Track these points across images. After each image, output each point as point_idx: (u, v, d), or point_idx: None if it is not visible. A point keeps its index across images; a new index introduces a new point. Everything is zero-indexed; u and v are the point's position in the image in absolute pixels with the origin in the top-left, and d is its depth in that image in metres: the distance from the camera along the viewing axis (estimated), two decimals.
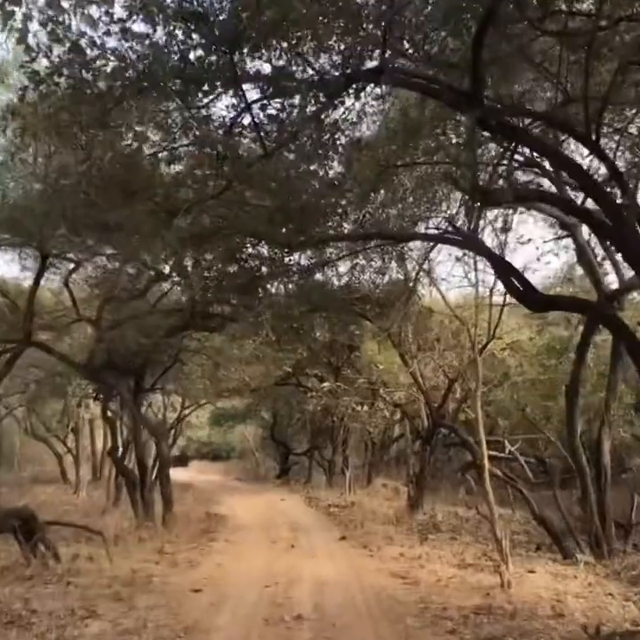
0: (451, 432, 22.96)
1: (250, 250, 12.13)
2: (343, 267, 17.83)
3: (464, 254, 15.04)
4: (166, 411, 36.73)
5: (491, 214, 14.23)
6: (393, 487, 30.50)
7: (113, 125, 8.32)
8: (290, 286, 15.98)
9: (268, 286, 15.11)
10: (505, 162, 9.72)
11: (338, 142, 9.68)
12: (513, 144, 8.73)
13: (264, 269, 12.38)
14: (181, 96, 7.74)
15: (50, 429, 37.52)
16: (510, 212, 14.71)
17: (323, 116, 8.95)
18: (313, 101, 7.96)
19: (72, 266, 16.16)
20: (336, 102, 8.34)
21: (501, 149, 9.44)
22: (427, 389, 20.65)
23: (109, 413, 21.22)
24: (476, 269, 14.65)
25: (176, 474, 47.79)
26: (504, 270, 8.78)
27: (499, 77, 8.22)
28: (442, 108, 8.42)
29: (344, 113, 9.34)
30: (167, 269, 15.79)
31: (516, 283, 8.66)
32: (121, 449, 22.00)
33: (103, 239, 12.77)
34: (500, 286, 13.22)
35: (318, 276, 16.92)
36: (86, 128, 8.15)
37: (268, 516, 22.23)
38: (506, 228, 13.52)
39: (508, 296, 16.98)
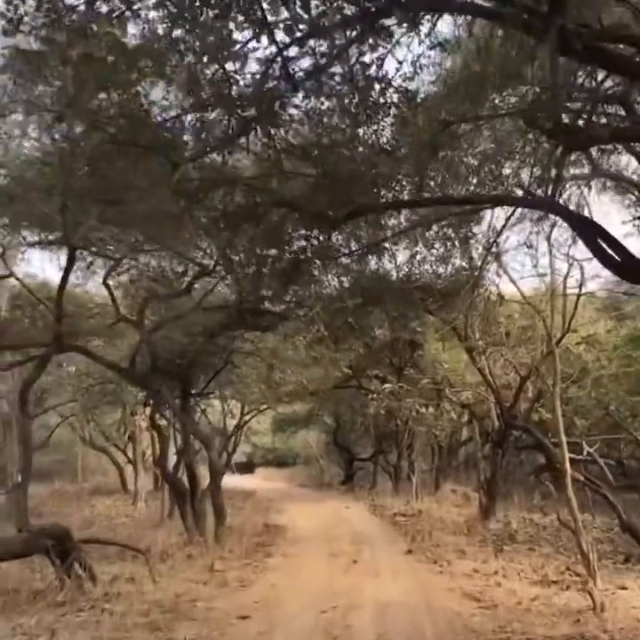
0: (524, 433, 21.38)
1: (291, 230, 10.79)
2: (402, 256, 16.48)
3: (537, 231, 13.51)
4: (226, 417, 35.98)
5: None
6: (462, 493, 28.87)
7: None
8: (341, 275, 14.67)
9: (316, 273, 13.78)
10: (590, 98, 8.21)
11: (388, 99, 8.32)
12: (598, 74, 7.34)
13: (309, 252, 11.04)
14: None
15: (109, 439, 36.84)
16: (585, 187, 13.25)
17: (366, 67, 7.60)
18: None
19: (111, 263, 15.09)
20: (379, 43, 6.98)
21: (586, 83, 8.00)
22: (497, 388, 19.05)
23: (161, 421, 20.18)
24: (550, 250, 13.18)
25: (241, 481, 47.38)
26: (595, 236, 7.28)
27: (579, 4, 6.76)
28: (511, 45, 7.07)
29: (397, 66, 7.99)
30: (211, 264, 14.65)
31: (609, 251, 7.16)
32: (175, 457, 20.93)
33: (121, 221, 11.57)
34: (576, 274, 11.76)
35: (373, 264, 15.56)
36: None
37: (329, 527, 20.90)
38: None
39: (582, 286, 15.47)
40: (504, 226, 13.94)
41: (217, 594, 11.69)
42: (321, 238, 10.54)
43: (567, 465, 12.82)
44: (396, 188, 10.32)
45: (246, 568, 14.02)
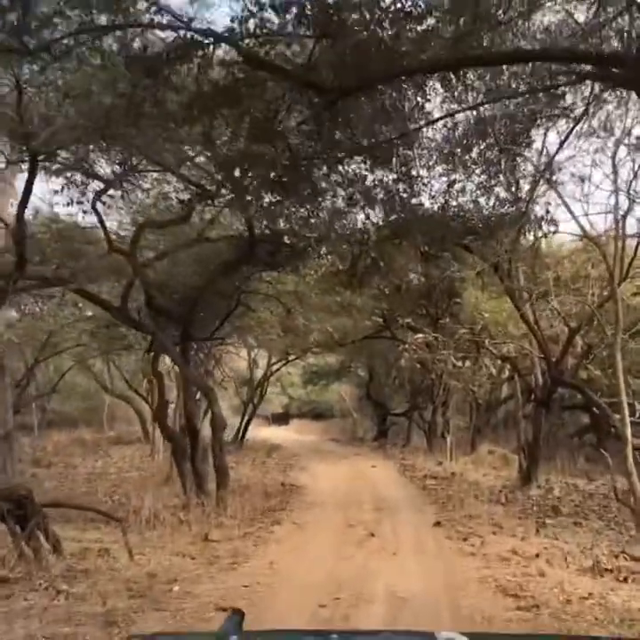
0: (572, 392, 19.24)
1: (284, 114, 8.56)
2: (437, 184, 14.27)
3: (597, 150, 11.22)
4: (253, 366, 34.22)
5: None
6: (500, 455, 26.82)
7: None
8: (358, 195, 12.60)
9: (323, 182, 11.68)
10: None
11: None
12: None
13: (310, 147, 8.89)
14: None
15: (131, 386, 35.27)
16: None
17: None
18: None
19: (101, 187, 13.08)
20: None
21: None
22: (544, 339, 16.81)
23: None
24: (614, 171, 10.89)
25: (273, 433, 46.02)
26: None
27: None
28: None
29: None
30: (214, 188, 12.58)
31: None
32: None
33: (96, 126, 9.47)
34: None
35: (402, 190, 13.40)
36: None
37: (352, 489, 19.02)
38: None
39: None
40: (563, 142, 11.73)
41: (202, 573, 9.84)
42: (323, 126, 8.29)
43: (628, 431, 10.68)
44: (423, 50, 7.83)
45: (246, 539, 12.16)
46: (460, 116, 12.74)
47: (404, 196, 13.77)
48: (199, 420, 15.26)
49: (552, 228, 13.36)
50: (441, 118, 11.11)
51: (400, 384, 35.26)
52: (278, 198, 14.35)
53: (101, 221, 13.01)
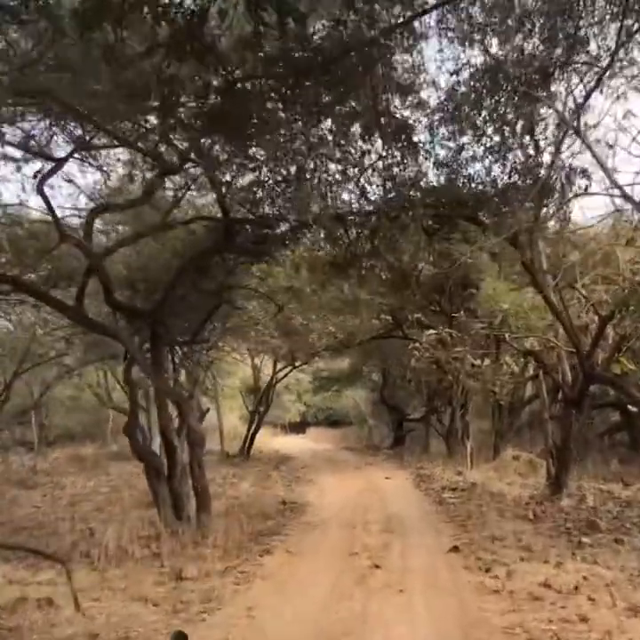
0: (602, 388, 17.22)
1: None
2: (443, 151, 12.33)
3: None
4: (258, 373, 32.31)
5: None
6: (526, 460, 24.65)
7: None
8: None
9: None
10: None
11: None
12: None
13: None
14: None
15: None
16: None
17: None
18: None
19: (50, 166, 11.20)
20: None
21: None
22: (573, 328, 14.75)
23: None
24: None
25: (287, 442, 44.10)
26: None
27: None
28: None
29: None
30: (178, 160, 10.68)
31: None
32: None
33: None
34: None
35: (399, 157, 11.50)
36: None
37: (361, 505, 17.00)
38: None
39: None
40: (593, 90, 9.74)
41: (161, 627, 7.91)
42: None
43: None
44: None
45: (227, 575, 10.20)
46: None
47: (405, 166, 11.83)
48: (176, 434, 13.30)
49: (584, 184, 11.31)
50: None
51: (416, 387, 33.16)
52: (255, 172, 12.53)
53: (49, 206, 11.12)
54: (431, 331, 17.83)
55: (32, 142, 11.12)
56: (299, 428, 56.15)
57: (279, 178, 12.79)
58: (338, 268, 14.64)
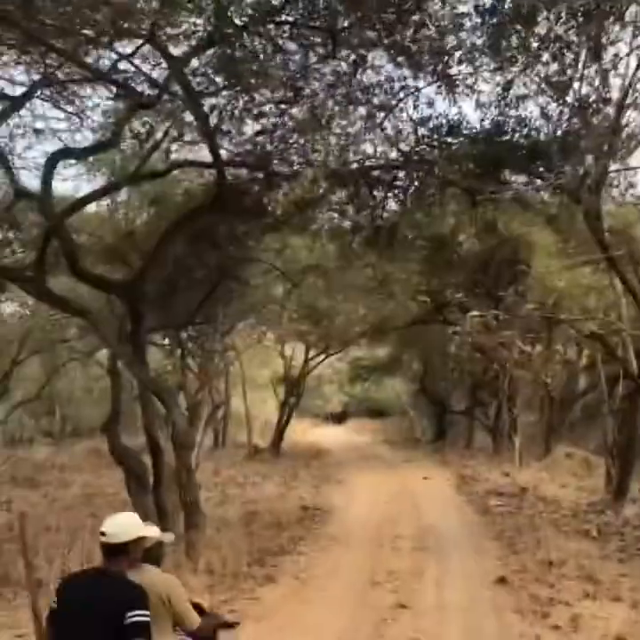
0: None
1: None
2: (488, 93, 10.06)
3: None
4: (289, 362, 30.10)
5: None
6: (581, 458, 22.25)
7: None
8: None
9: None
10: None
11: None
12: None
13: None
14: None
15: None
16: None
17: None
18: None
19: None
20: None
21: None
22: None
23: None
24: None
25: (326, 434, 42.02)
26: None
27: None
28: None
29: None
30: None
31: None
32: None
33: None
34: None
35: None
36: None
37: (393, 514, 14.77)
38: None
39: None
40: None
41: None
42: None
43: None
44: None
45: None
46: None
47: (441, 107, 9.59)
48: (160, 433, 11.12)
49: None
50: None
51: (459, 377, 30.69)
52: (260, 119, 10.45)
53: (1, 154, 9.06)
54: (475, 312, 15.45)
55: None
56: (339, 418, 54.85)
57: (289, 125, 10.67)
58: (364, 238, 12.41)
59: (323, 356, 29.49)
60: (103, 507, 15.98)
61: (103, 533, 3.56)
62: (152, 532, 3.94)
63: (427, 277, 18.36)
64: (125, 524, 3.66)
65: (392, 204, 11.96)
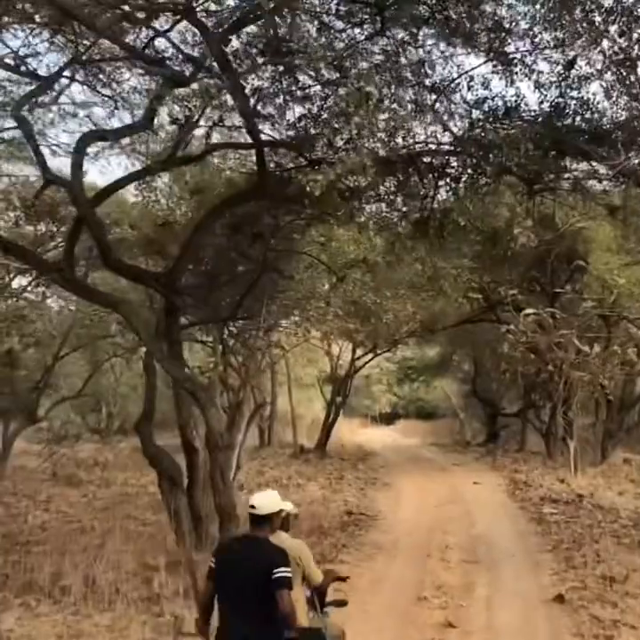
0: None
1: None
2: (545, 64, 9.34)
3: None
4: (336, 361, 29.48)
5: None
6: (639, 464, 21.27)
7: None
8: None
9: None
10: None
11: None
12: None
13: None
14: None
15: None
16: None
17: None
18: None
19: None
20: None
21: None
22: None
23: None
24: None
25: (375, 435, 41.29)
26: None
27: None
28: None
29: None
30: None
31: None
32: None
33: None
34: None
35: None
36: None
37: (441, 522, 14.01)
38: None
39: None
40: None
41: None
42: None
43: None
44: None
45: None
46: None
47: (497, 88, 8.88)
48: (196, 432, 10.54)
49: None
50: None
51: (511, 378, 29.70)
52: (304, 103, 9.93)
53: (31, 138, 8.60)
54: (529, 310, 14.66)
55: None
56: (389, 419, 53.50)
57: (336, 109, 10.05)
58: (414, 230, 11.73)
59: (370, 356, 28.80)
60: (141, 508, 15.64)
61: (252, 506, 4.50)
62: (288, 505, 4.89)
63: (479, 273, 17.62)
64: (269, 499, 4.61)
65: (443, 194, 11.26)
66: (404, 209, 11.39)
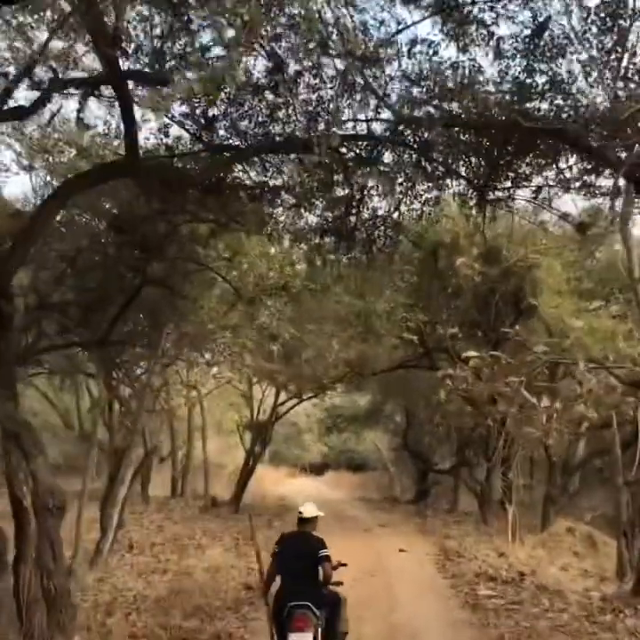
0: None
1: None
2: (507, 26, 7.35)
3: None
4: (257, 405, 27.00)
5: None
6: (584, 534, 19.28)
7: None
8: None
9: None
10: None
11: None
12: None
13: None
14: None
15: None
16: None
17: None
18: None
19: None
20: None
21: None
22: None
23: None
24: None
25: (302, 485, 39.07)
26: None
27: None
28: None
29: None
30: None
31: None
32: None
33: None
34: None
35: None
36: None
37: (357, 603, 11.43)
38: None
39: None
40: None
41: None
42: None
43: None
44: None
45: None
46: None
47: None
48: (23, 484, 7.79)
49: None
50: None
51: (445, 433, 27.70)
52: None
53: None
54: (472, 353, 12.60)
55: None
56: (319, 469, 53.06)
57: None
58: (337, 243, 9.58)
59: (295, 401, 26.47)
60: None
61: (301, 512, 7.57)
62: (321, 513, 7.79)
63: (414, 311, 15.51)
64: (311, 508, 7.62)
65: (374, 200, 9.15)
66: (327, 215, 9.22)
